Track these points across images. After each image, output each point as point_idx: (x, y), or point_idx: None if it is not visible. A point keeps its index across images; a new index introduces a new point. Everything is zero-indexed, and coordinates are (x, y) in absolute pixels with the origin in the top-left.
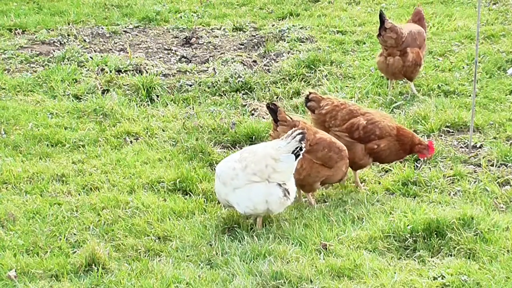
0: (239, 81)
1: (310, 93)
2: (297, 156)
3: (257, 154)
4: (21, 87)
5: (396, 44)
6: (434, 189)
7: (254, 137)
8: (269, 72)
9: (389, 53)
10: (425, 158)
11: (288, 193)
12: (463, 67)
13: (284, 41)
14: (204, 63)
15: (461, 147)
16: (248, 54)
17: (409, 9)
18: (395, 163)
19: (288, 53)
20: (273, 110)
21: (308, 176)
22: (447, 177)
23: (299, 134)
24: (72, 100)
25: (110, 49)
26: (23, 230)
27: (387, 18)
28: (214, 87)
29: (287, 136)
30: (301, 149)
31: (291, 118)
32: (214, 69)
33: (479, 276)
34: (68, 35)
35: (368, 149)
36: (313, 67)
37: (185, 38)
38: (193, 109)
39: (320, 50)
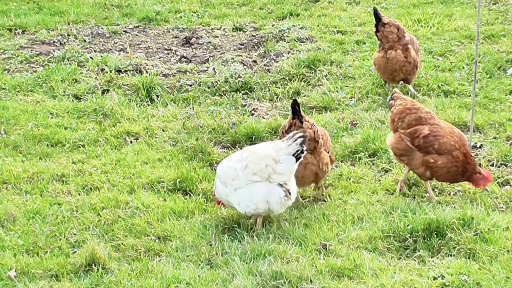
0: (239, 81)
1: (395, 92)
2: (297, 159)
3: (257, 154)
4: (21, 87)
5: (398, 38)
6: (434, 189)
7: (254, 137)
8: (269, 72)
9: (390, 46)
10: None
11: (289, 194)
12: (463, 67)
13: (284, 41)
14: (204, 63)
15: None
16: (248, 54)
17: (409, 9)
18: (395, 163)
19: (288, 53)
20: (298, 106)
21: (325, 171)
22: None
23: (300, 137)
24: (72, 100)
25: (110, 49)
26: (23, 230)
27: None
28: (214, 87)
29: (288, 138)
30: (302, 151)
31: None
32: (214, 69)
33: (479, 276)
34: (68, 35)
35: (425, 161)
36: (313, 67)
37: (185, 38)
38: (193, 109)
39: (320, 50)
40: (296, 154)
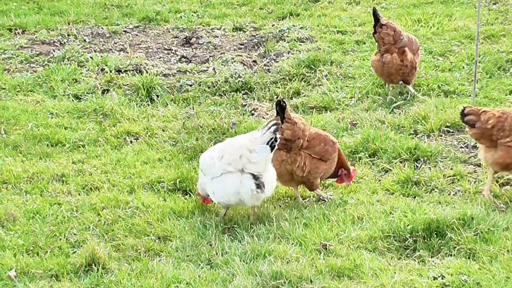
0: (239, 81)
1: (464, 107)
2: (272, 148)
3: (233, 145)
4: (21, 87)
5: (394, 40)
6: (434, 189)
7: None
8: (269, 72)
9: (386, 49)
10: None
11: (263, 186)
12: (463, 67)
13: (284, 41)
14: (204, 63)
15: (461, 147)
16: (248, 54)
17: (409, 9)
18: (395, 163)
19: (288, 53)
20: (283, 108)
21: (309, 173)
22: (447, 177)
23: (273, 125)
24: (72, 100)
25: (110, 49)
26: (23, 230)
27: (382, 15)
28: (214, 87)
29: (263, 127)
30: (275, 139)
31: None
32: (214, 69)
33: (479, 276)
34: (68, 35)
35: None
36: (313, 67)
37: (185, 38)
38: (193, 109)
39: (320, 50)
40: (270, 142)
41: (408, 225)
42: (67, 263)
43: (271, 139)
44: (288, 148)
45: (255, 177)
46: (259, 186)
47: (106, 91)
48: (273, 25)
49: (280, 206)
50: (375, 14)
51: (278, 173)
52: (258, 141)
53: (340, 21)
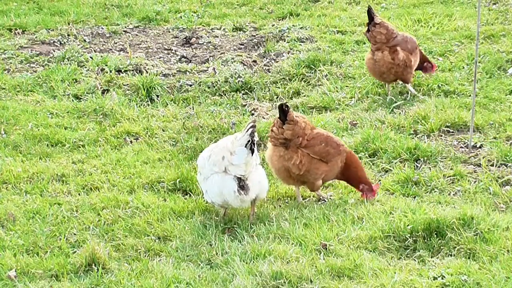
0: (239, 81)
1: None
2: (252, 151)
3: (218, 146)
4: (21, 87)
5: (386, 39)
6: (434, 189)
7: None
8: (269, 72)
9: (377, 48)
10: None
11: (248, 188)
12: (463, 67)
13: (284, 41)
14: (204, 63)
15: (461, 147)
16: (248, 54)
17: (409, 9)
18: (395, 163)
19: (288, 53)
20: (285, 112)
21: (308, 173)
22: (447, 177)
23: (250, 127)
24: (72, 100)
25: (110, 49)
26: (23, 230)
27: (376, 14)
28: (214, 87)
29: (244, 128)
30: (253, 142)
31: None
32: (214, 69)
33: (479, 276)
34: (68, 35)
35: None
36: (313, 67)
37: (185, 38)
38: (193, 109)
39: (320, 50)
40: (248, 145)
41: (408, 225)
42: (67, 263)
43: (248, 141)
44: (286, 145)
45: (239, 179)
46: (243, 188)
47: (106, 91)
48: (273, 25)
49: (280, 206)
50: (369, 12)
51: (276, 168)
52: (237, 143)
53: (340, 21)
